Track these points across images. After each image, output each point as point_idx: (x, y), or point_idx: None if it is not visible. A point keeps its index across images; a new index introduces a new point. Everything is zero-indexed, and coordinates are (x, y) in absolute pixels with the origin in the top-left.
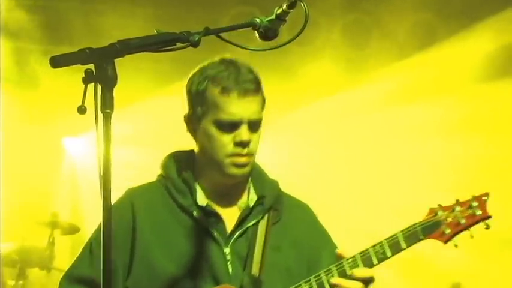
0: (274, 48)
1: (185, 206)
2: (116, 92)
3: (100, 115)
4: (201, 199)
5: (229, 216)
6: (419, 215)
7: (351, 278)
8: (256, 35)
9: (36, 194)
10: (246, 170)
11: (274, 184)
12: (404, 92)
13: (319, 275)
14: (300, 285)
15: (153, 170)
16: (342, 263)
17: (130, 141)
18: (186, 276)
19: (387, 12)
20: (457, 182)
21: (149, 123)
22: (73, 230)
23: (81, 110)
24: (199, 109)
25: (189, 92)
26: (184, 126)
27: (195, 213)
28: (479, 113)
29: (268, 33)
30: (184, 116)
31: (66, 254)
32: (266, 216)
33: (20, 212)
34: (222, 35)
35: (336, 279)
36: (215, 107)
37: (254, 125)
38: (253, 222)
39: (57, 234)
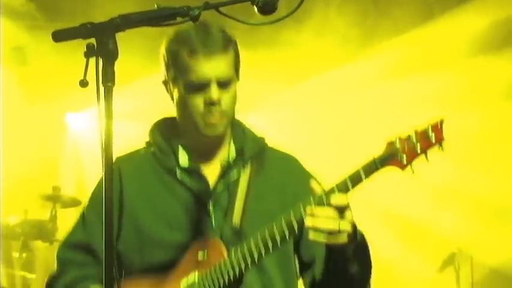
0: (272, 23)
1: (169, 167)
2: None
3: (102, 88)
4: (183, 160)
5: (211, 173)
6: None
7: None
8: (255, 9)
9: (38, 168)
10: (220, 129)
11: (257, 139)
12: (399, 67)
13: (297, 206)
14: (279, 219)
15: None
16: (319, 194)
17: (130, 116)
18: (173, 235)
19: None
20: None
21: (147, 99)
22: (74, 203)
23: (83, 83)
24: (172, 72)
25: (164, 56)
26: None
27: (178, 173)
28: (474, 86)
29: (267, 7)
30: (162, 81)
31: (68, 227)
32: (248, 167)
33: (23, 186)
34: (221, 9)
35: (310, 208)
36: (185, 69)
37: (223, 84)
38: (235, 174)
39: (59, 207)
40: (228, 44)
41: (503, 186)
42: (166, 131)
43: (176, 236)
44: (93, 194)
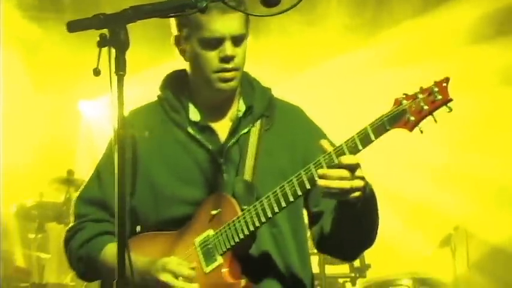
0: (276, 14)
1: (179, 123)
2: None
3: (114, 77)
4: (194, 115)
5: (222, 128)
6: None
7: (338, 166)
8: (260, 1)
9: (53, 153)
10: (233, 83)
11: (265, 91)
12: (397, 55)
13: (308, 168)
14: (291, 180)
15: None
16: (329, 153)
17: (141, 103)
18: (185, 190)
19: None
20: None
21: (157, 87)
22: None
23: (96, 72)
24: (185, 30)
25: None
26: None
27: (189, 129)
28: (469, 72)
29: (272, 0)
30: (173, 38)
31: None
32: (258, 123)
33: (39, 171)
34: (228, 1)
35: (323, 170)
36: (199, 26)
37: (237, 40)
38: (245, 130)
39: (73, 191)
40: (240, 2)
41: (500, 168)
42: (177, 86)
43: (189, 192)
44: (107, 148)
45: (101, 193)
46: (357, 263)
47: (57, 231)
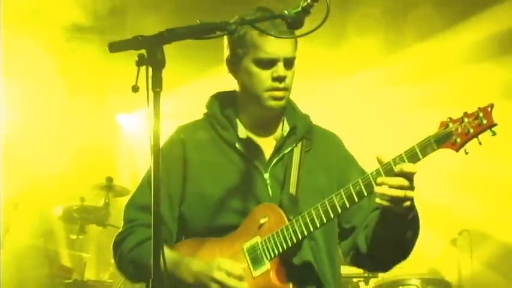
0: (298, 37)
1: (228, 139)
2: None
3: (151, 93)
4: (242, 132)
5: (267, 146)
6: None
7: (396, 174)
8: (285, 24)
9: (94, 162)
10: (283, 102)
11: (305, 117)
12: (408, 73)
13: (366, 177)
14: (339, 193)
15: None
16: (388, 163)
17: (176, 117)
18: (232, 200)
19: (395, 7)
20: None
21: (191, 102)
22: (124, 192)
23: (135, 88)
24: (240, 50)
25: (230, 37)
26: None
27: (237, 145)
28: (473, 88)
29: (295, 23)
30: (226, 59)
31: (119, 213)
32: (299, 144)
33: (81, 177)
34: (257, 24)
35: (382, 178)
36: (255, 47)
37: (289, 63)
38: (288, 149)
39: (112, 196)
40: (293, 30)
41: (506, 174)
42: (223, 104)
43: (236, 202)
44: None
45: (148, 200)
46: None
47: (96, 233)
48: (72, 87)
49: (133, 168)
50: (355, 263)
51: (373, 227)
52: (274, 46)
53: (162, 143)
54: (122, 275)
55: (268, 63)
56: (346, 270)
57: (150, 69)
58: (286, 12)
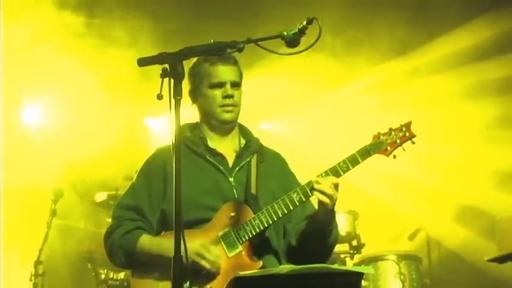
0: (296, 53)
1: (199, 152)
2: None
3: (173, 101)
4: (210, 144)
5: (229, 156)
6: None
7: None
8: (284, 43)
9: (126, 158)
10: (233, 115)
11: (256, 138)
12: (382, 85)
13: (309, 182)
14: (296, 191)
15: None
16: (326, 171)
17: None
18: (204, 199)
19: (374, 30)
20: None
21: None
22: None
23: (159, 97)
24: (197, 80)
25: (190, 74)
26: None
27: (207, 156)
28: (432, 95)
29: (292, 42)
30: (188, 91)
31: None
32: (255, 156)
33: (116, 171)
34: (260, 43)
35: (319, 179)
36: (208, 75)
37: (234, 85)
38: (247, 160)
39: None
40: (236, 62)
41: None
42: (192, 129)
43: (208, 200)
44: (140, 170)
45: (135, 201)
46: (354, 242)
47: None
48: (111, 96)
49: None
50: (289, 258)
51: (304, 226)
52: (223, 72)
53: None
54: (113, 262)
55: (219, 85)
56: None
57: (172, 80)
58: (285, 33)
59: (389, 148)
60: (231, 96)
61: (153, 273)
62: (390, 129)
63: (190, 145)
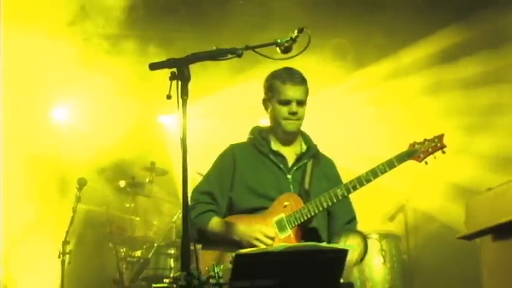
0: (288, 58)
1: (264, 152)
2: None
3: (180, 100)
4: (274, 147)
5: (290, 157)
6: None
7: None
8: (278, 49)
9: (142, 151)
10: (295, 127)
11: (315, 145)
12: (366, 87)
13: (354, 179)
14: (339, 187)
15: (225, 134)
16: (366, 173)
17: (199, 117)
18: (265, 191)
19: (357, 38)
20: None
21: (209, 107)
22: (163, 173)
23: (168, 97)
24: (270, 94)
25: (265, 86)
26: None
27: (270, 156)
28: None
29: (286, 49)
30: (263, 100)
31: (160, 188)
32: (311, 160)
33: (133, 161)
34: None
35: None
36: (278, 92)
37: (300, 103)
38: (305, 161)
39: (154, 176)
40: (304, 80)
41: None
42: (261, 131)
43: (268, 191)
44: (215, 162)
45: (209, 188)
46: None
47: (143, 202)
48: (128, 97)
49: (170, 155)
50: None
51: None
52: (290, 91)
53: (189, 137)
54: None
55: (286, 102)
56: None
57: (180, 82)
58: (279, 40)
59: (422, 155)
60: (295, 113)
61: (218, 247)
62: (425, 139)
63: (257, 145)
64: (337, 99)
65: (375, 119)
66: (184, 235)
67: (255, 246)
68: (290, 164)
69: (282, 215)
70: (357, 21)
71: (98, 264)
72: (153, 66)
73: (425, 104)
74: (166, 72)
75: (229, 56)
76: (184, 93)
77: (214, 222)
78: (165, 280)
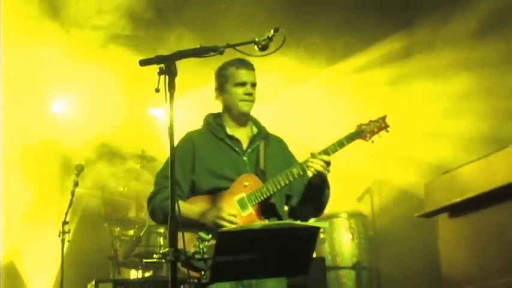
0: (265, 55)
1: (220, 137)
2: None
3: (168, 94)
4: (229, 131)
5: (244, 140)
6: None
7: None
8: (256, 47)
9: (134, 140)
10: (249, 107)
11: (264, 127)
12: (337, 82)
13: (300, 163)
14: (295, 166)
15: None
16: (314, 154)
17: (185, 109)
18: (225, 172)
19: (328, 37)
20: None
21: (193, 100)
22: (153, 160)
23: (157, 90)
24: (224, 80)
25: (219, 75)
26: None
27: (226, 140)
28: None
29: (263, 47)
30: (215, 88)
31: (150, 173)
32: (263, 141)
33: (125, 148)
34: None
35: (310, 159)
36: (233, 76)
37: (253, 85)
38: (257, 144)
39: (145, 162)
40: (254, 68)
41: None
42: (214, 117)
43: (227, 172)
44: (175, 148)
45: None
46: None
47: (135, 186)
48: (121, 90)
49: (159, 144)
50: (291, 215)
51: (303, 191)
52: (245, 75)
53: (176, 128)
54: (153, 219)
55: (242, 84)
56: None
57: (167, 77)
58: (257, 39)
59: (368, 135)
60: (251, 94)
61: (185, 229)
62: (370, 120)
63: (213, 131)
64: (308, 93)
65: (346, 109)
66: (172, 215)
67: (219, 225)
68: (245, 146)
69: (243, 194)
70: (328, 22)
71: (94, 242)
72: (143, 62)
73: (383, 92)
74: (156, 68)
75: (212, 53)
76: (172, 87)
77: (180, 206)
78: (155, 256)
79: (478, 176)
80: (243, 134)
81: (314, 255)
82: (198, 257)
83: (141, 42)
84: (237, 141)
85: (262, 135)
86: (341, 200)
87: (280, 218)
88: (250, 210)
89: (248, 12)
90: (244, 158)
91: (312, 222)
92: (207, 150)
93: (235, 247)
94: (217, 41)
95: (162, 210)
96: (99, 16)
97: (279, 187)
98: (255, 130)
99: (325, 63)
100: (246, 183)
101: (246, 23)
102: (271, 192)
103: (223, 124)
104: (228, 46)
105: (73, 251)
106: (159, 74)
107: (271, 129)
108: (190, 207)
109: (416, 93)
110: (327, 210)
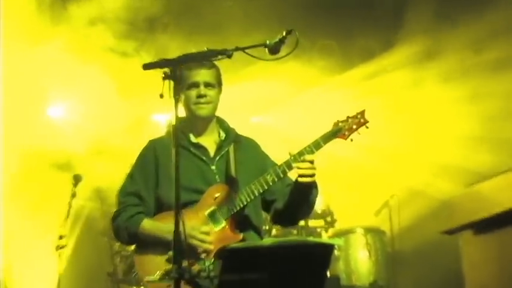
0: (277, 59)
1: (185, 146)
2: None
3: (173, 100)
4: (193, 139)
5: (211, 147)
6: None
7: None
8: (267, 50)
9: (137, 145)
10: (207, 111)
11: (233, 128)
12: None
13: (286, 161)
14: (269, 173)
15: None
16: (301, 150)
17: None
18: (193, 184)
19: (345, 40)
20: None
21: None
22: None
23: (161, 96)
24: (180, 86)
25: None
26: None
27: (191, 148)
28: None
29: (274, 50)
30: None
31: None
32: (232, 145)
33: (128, 150)
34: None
35: (298, 164)
36: (186, 79)
37: (208, 85)
38: (226, 149)
39: None
40: (213, 65)
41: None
42: (179, 126)
43: (195, 185)
44: (136, 160)
45: (134, 187)
46: (328, 218)
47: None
48: (124, 96)
49: None
50: (275, 221)
51: (288, 194)
52: (197, 75)
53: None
54: (118, 240)
55: (194, 85)
56: (312, 223)
57: (172, 82)
58: (268, 42)
59: (347, 133)
60: (204, 96)
61: (153, 250)
62: (348, 117)
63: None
64: (322, 97)
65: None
66: (176, 229)
67: (191, 245)
68: (212, 154)
69: (214, 207)
70: (343, 25)
71: (94, 258)
72: (147, 66)
73: (402, 95)
74: (160, 72)
75: (220, 56)
76: (177, 93)
77: (145, 224)
78: (157, 272)
79: (505, 190)
80: (209, 140)
81: (328, 274)
82: (203, 275)
83: (144, 46)
84: (203, 149)
85: (230, 139)
86: (357, 214)
87: (256, 230)
88: (223, 224)
89: (258, 15)
90: (213, 167)
91: (326, 239)
92: (171, 159)
93: (243, 265)
94: (226, 45)
95: (127, 230)
96: (101, 18)
97: (252, 197)
98: (223, 135)
99: (339, 68)
100: (217, 195)
101: (254, 26)
102: (245, 202)
103: (186, 132)
104: (237, 49)
105: (72, 267)
106: (164, 79)
107: (283, 135)
108: (158, 226)
109: (437, 97)
110: (342, 225)
